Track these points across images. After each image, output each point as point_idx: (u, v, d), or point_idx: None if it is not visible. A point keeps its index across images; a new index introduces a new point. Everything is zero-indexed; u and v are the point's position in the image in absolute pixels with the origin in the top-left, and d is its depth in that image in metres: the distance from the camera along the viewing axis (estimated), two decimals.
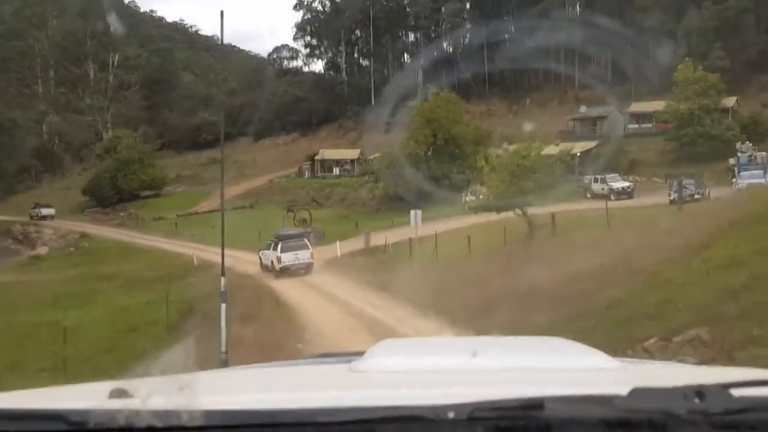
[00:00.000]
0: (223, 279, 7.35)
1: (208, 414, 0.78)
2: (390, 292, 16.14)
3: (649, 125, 49.50)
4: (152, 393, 0.82)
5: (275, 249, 24.78)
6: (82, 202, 59.12)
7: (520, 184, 21.02)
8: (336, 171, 59.53)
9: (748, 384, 0.84)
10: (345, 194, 51.03)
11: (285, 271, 23.99)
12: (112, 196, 55.92)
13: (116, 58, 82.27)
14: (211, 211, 49.66)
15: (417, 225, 22.80)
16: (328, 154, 59.45)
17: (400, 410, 0.78)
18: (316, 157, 59.99)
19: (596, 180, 37.88)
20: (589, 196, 36.52)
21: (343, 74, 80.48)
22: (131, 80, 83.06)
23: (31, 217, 48.71)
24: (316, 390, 1.15)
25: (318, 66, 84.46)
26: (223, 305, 6.90)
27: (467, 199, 33.71)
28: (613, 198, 34.05)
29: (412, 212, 23.41)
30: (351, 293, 17.54)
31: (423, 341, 2.70)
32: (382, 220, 34.92)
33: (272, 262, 24.73)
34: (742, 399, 0.79)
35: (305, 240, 25.26)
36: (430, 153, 39.34)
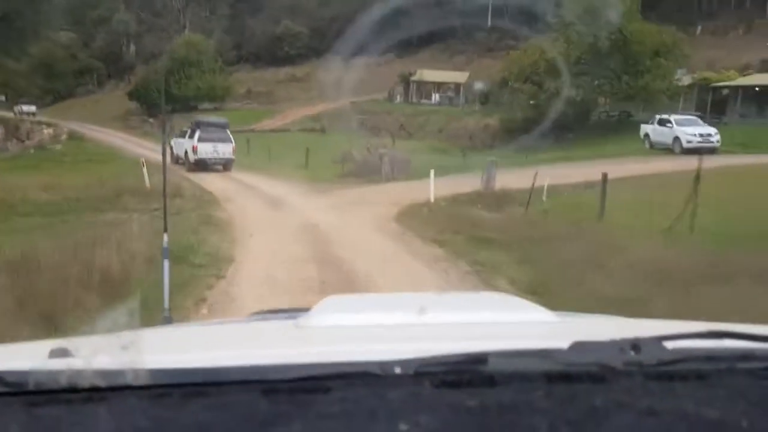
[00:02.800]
0: (165, 235, 4.80)
1: (154, 373, 0.76)
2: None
3: None
4: (95, 352, 0.78)
5: (191, 137, 21.53)
6: (132, 109, 49.70)
7: None
8: (435, 98, 47.06)
9: (682, 336, 0.86)
10: (445, 124, 38.62)
11: (200, 165, 20.95)
12: (160, 103, 45.91)
13: None
14: (271, 131, 39.05)
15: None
16: (428, 75, 46.86)
17: (348, 366, 0.79)
18: (412, 78, 47.51)
19: None
20: None
21: None
22: None
23: (15, 114, 43.58)
24: (263, 347, 1.12)
25: None
26: (166, 261, 4.73)
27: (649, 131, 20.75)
28: None
29: None
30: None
31: (368, 297, 2.38)
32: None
33: (186, 152, 21.59)
34: (674, 351, 0.82)
35: (228, 132, 22.32)
36: (585, 60, 26.08)
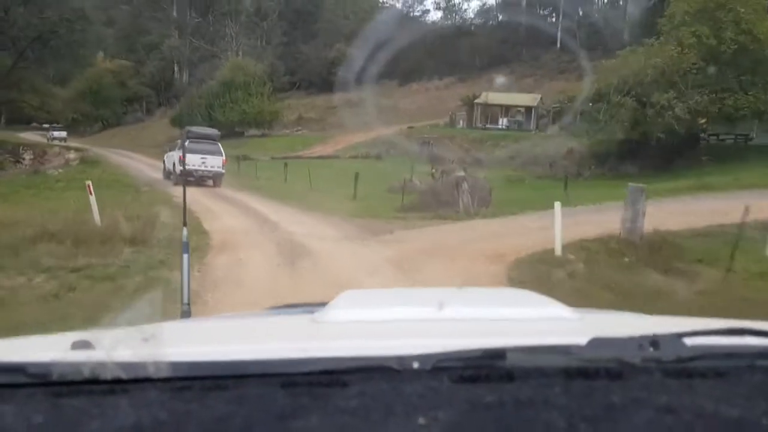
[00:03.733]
0: (185, 229, 4.68)
1: (174, 365, 0.78)
2: None
3: None
4: (117, 344, 0.81)
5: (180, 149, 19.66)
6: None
7: None
8: (503, 122, 42.16)
9: (700, 333, 0.85)
10: (517, 150, 33.57)
11: (187, 176, 17.67)
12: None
13: None
14: (319, 157, 34.91)
15: None
16: (495, 97, 42.11)
17: (366, 360, 0.80)
18: (477, 101, 42.87)
19: None
20: None
21: (523, 3, 61.91)
22: (269, 8, 70.42)
23: (48, 140, 41.54)
24: (281, 341, 1.13)
25: None
26: (186, 255, 4.62)
27: None
28: None
29: None
30: None
31: (386, 292, 2.29)
32: (593, 189, 17.41)
33: (174, 164, 20.21)
34: (693, 347, 0.82)
35: (219, 145, 21.18)
36: (700, 69, 20.80)
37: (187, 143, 19.40)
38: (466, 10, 63.83)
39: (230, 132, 44.49)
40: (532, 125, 41.70)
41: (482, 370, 0.77)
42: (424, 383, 0.75)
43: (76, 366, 0.75)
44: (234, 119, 43.13)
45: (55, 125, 45.31)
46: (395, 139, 40.65)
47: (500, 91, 45.12)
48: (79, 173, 20.40)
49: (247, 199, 16.38)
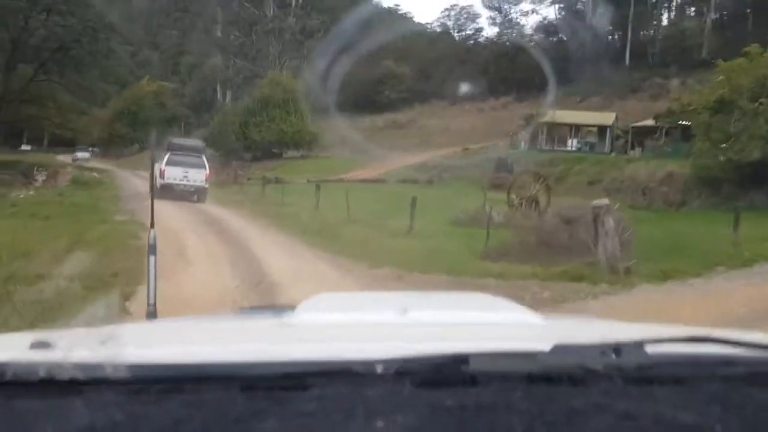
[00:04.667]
0: (152, 230, 3.30)
1: (132, 367, 0.76)
2: None
3: None
4: (75, 345, 0.80)
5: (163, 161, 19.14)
6: (209, 155, 43.03)
7: None
8: (572, 143, 37.18)
9: (663, 340, 0.86)
10: (596, 175, 28.57)
11: (167, 191, 18.21)
12: (239, 149, 38.89)
13: None
14: (363, 181, 30.55)
15: None
16: (564, 116, 37.22)
17: (329, 364, 0.79)
18: (542, 120, 37.99)
19: None
20: None
21: (587, 19, 56.85)
22: (314, 26, 67.25)
23: (73, 160, 40.61)
24: (245, 343, 1.10)
25: (548, 11, 61.54)
26: (152, 257, 3.31)
27: None
28: None
29: None
30: None
31: (355, 296, 2.30)
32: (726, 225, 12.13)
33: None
34: (655, 355, 0.83)
35: (204, 158, 20.72)
36: None
37: (168, 156, 18.62)
38: (523, 25, 59.01)
39: (266, 153, 40.69)
40: (607, 147, 36.58)
41: (445, 374, 0.77)
42: (386, 387, 0.74)
43: (32, 366, 0.74)
44: (270, 139, 39.36)
45: (79, 146, 44.00)
46: (450, 162, 36.02)
47: (568, 110, 40.15)
48: (55, 196, 16.58)
49: (255, 233, 11.93)
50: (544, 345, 0.82)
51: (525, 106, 50.51)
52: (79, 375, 0.73)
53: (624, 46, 56.97)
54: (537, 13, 61.33)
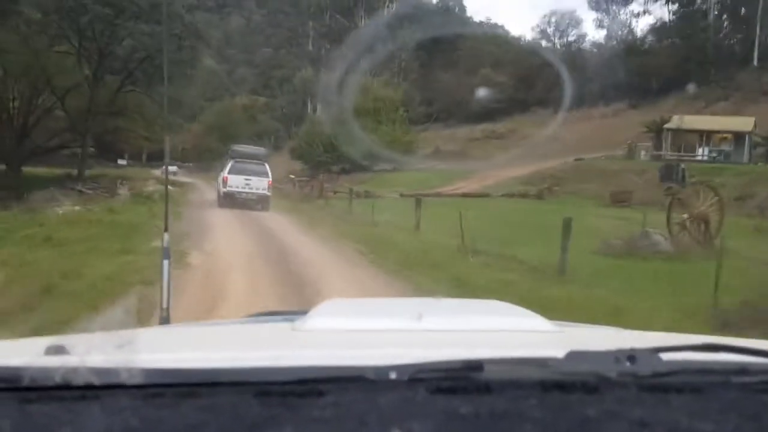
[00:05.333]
0: (166, 234, 4.23)
1: (147, 372, 0.77)
2: None
3: None
4: (90, 350, 0.81)
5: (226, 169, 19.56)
6: (297, 169, 41.15)
7: None
8: (703, 152, 32.34)
9: (677, 348, 0.87)
10: (742, 188, 24.06)
11: (230, 198, 18.60)
12: (327, 161, 36.57)
13: (392, 6, 66.20)
14: (464, 195, 27.27)
15: None
16: (693, 122, 32.53)
17: (342, 370, 0.79)
18: (666, 126, 33.37)
19: None
20: None
21: (710, 17, 51.19)
22: (406, 37, 64.93)
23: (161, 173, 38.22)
24: (258, 349, 1.12)
25: (662, 11, 55.99)
26: (166, 261, 4.18)
27: None
28: None
29: None
30: None
31: (368, 302, 2.22)
32: None
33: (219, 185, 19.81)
34: (670, 363, 0.82)
35: (266, 166, 20.07)
36: None
37: (231, 163, 18.40)
38: (634, 27, 53.91)
39: (355, 165, 38.19)
40: (745, 156, 31.51)
41: (459, 381, 0.77)
42: (400, 394, 0.74)
43: (48, 371, 0.74)
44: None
45: (174, 161, 42.79)
46: (560, 174, 32.07)
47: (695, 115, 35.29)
48: (103, 213, 14.34)
49: (340, 269, 8.77)
50: (558, 352, 0.81)
51: (639, 113, 45.68)
52: (95, 380, 0.73)
53: (752, 47, 50.77)
54: (649, 13, 55.89)
